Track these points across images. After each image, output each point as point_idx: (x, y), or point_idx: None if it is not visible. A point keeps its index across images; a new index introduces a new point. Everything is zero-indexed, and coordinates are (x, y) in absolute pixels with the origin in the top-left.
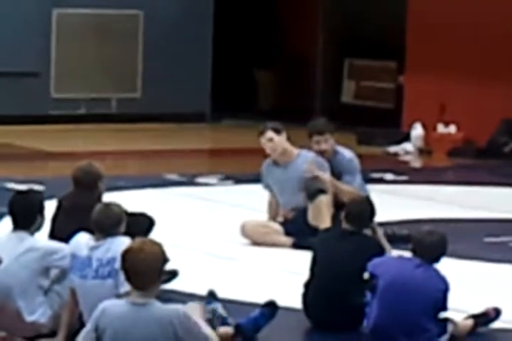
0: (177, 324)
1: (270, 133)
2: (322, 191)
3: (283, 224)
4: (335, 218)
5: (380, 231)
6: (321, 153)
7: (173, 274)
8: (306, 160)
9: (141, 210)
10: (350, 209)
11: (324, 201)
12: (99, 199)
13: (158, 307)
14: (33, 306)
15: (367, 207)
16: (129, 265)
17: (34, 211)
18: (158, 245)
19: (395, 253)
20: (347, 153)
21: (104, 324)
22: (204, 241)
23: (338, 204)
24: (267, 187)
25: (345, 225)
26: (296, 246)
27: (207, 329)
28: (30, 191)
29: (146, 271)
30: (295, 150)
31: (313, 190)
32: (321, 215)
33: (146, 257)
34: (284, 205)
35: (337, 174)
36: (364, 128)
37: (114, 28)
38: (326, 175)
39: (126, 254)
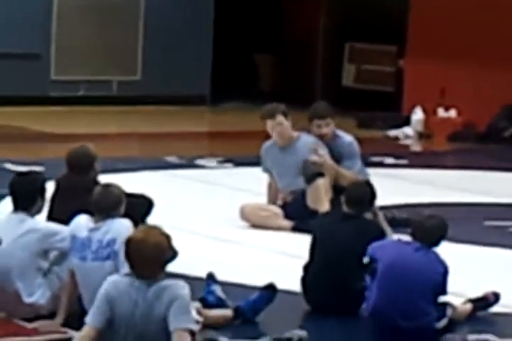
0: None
1: (280, 118)
2: (320, 174)
3: (282, 207)
4: (334, 202)
5: (380, 215)
6: (321, 137)
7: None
8: (305, 144)
9: (141, 192)
10: (351, 193)
11: (322, 184)
12: (95, 179)
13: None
14: (31, 288)
15: (367, 191)
16: (132, 253)
17: (35, 192)
18: (166, 236)
19: (396, 236)
20: (347, 138)
21: (114, 295)
22: (203, 224)
23: (337, 189)
24: (267, 170)
25: (345, 209)
26: (295, 229)
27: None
28: (31, 172)
29: (150, 261)
30: (295, 134)
31: (310, 173)
32: (319, 198)
33: (150, 247)
34: (284, 188)
35: (336, 158)
36: (364, 111)
37: (114, 10)
38: (327, 158)
39: (130, 242)
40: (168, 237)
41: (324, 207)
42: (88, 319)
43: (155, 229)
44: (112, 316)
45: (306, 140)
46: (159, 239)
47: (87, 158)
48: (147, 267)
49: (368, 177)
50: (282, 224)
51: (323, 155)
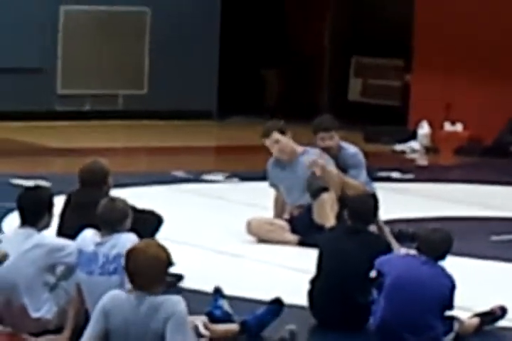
0: (172, 316)
1: (276, 135)
2: (324, 189)
3: (289, 221)
4: (341, 215)
5: (386, 229)
6: (327, 149)
7: (178, 278)
8: (313, 154)
9: (147, 207)
10: (353, 207)
11: (327, 199)
12: (107, 194)
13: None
14: (38, 302)
15: (369, 204)
16: (131, 265)
17: (42, 207)
18: (164, 248)
19: (403, 250)
20: (351, 149)
21: (110, 308)
22: (210, 238)
23: (345, 199)
24: (273, 185)
25: (349, 223)
26: (302, 243)
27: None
28: (39, 187)
29: (147, 272)
30: (299, 148)
31: (315, 188)
32: (325, 213)
33: (149, 259)
34: (292, 203)
35: (342, 169)
36: (371, 126)
37: (120, 25)
38: (332, 168)
39: (129, 254)
40: (166, 251)
41: (330, 221)
42: (86, 331)
43: (154, 242)
44: (107, 328)
45: (311, 154)
46: (158, 251)
47: (100, 172)
48: (145, 279)
49: (373, 189)
50: (289, 238)
51: (323, 163)
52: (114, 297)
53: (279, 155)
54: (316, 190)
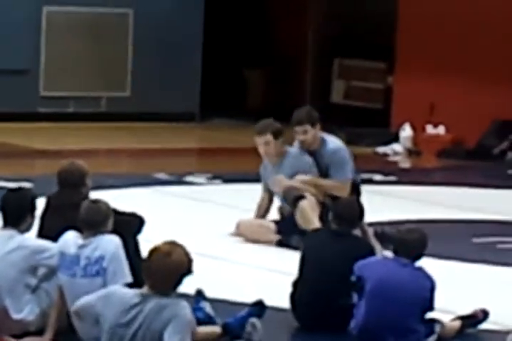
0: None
1: (269, 137)
2: (301, 197)
3: (277, 222)
4: (322, 218)
5: (369, 231)
6: (302, 144)
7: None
8: (293, 160)
9: (130, 209)
10: (337, 211)
11: (305, 205)
12: (86, 196)
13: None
14: (20, 304)
15: (354, 208)
16: (152, 264)
17: (25, 209)
18: (188, 256)
19: (385, 253)
20: (331, 145)
21: (105, 307)
22: (192, 241)
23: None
24: (266, 190)
25: (333, 226)
26: (280, 243)
27: None
28: (22, 189)
29: (164, 275)
30: (286, 149)
31: (291, 198)
32: (308, 219)
33: (170, 263)
34: (282, 204)
35: (324, 165)
36: (353, 128)
37: (103, 27)
38: (300, 177)
39: (152, 253)
40: (189, 259)
41: (315, 225)
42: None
43: (180, 247)
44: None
45: (292, 153)
46: (182, 258)
47: (77, 174)
48: (160, 280)
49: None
50: (269, 238)
51: (282, 180)
52: (118, 292)
53: (264, 156)
54: (293, 199)
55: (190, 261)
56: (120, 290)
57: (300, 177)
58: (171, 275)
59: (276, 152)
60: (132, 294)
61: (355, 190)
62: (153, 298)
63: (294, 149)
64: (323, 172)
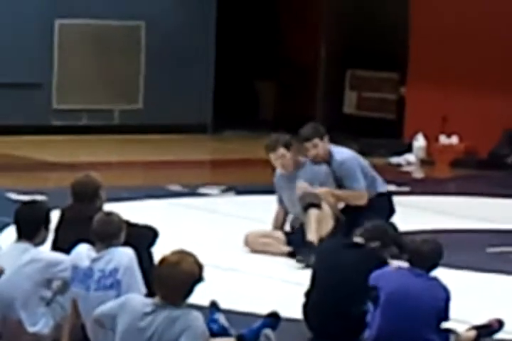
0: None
1: (282, 151)
2: (313, 205)
3: (288, 233)
4: (336, 230)
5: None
6: (314, 159)
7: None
8: (309, 172)
9: (143, 221)
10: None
11: (313, 214)
12: (100, 208)
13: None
14: (34, 317)
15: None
16: (161, 274)
17: (39, 222)
18: (198, 263)
19: (394, 264)
20: (339, 156)
21: (123, 311)
22: (206, 252)
23: (351, 209)
24: (280, 201)
25: (357, 239)
26: (291, 254)
27: None
28: (36, 202)
29: (175, 285)
30: (302, 160)
31: (304, 203)
32: (309, 228)
33: (180, 272)
34: (294, 215)
35: (338, 177)
36: (366, 139)
37: (116, 39)
38: (319, 189)
39: (161, 264)
40: (200, 266)
41: (311, 236)
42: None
43: (190, 256)
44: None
45: (310, 167)
46: (192, 266)
47: (91, 186)
48: (171, 290)
49: (383, 189)
50: (280, 249)
51: (304, 186)
52: (135, 300)
53: (282, 170)
54: (305, 205)
55: (200, 268)
56: (137, 298)
57: (318, 188)
58: (181, 284)
59: (293, 162)
60: (146, 303)
61: (389, 202)
62: (166, 308)
63: (310, 163)
64: (338, 184)
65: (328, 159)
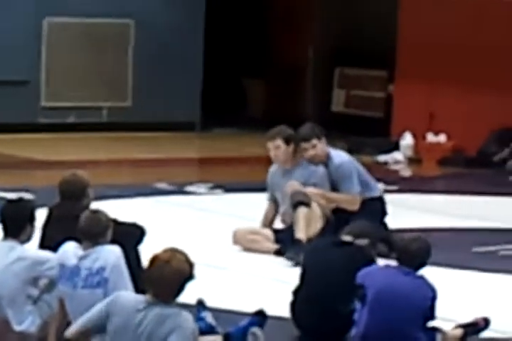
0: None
1: (279, 142)
2: (302, 203)
3: (277, 231)
4: (326, 229)
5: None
6: (312, 159)
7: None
8: (305, 171)
9: (131, 219)
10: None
11: (301, 213)
12: (87, 207)
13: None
14: (21, 316)
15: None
16: (152, 273)
17: (25, 219)
18: (188, 261)
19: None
20: (337, 159)
21: (114, 309)
22: (192, 250)
23: (342, 211)
24: (271, 199)
25: (345, 237)
26: (278, 252)
27: None
28: (21, 200)
29: (166, 283)
30: (299, 158)
31: (294, 201)
32: (297, 226)
33: (171, 271)
34: (285, 212)
35: (332, 180)
36: (354, 137)
37: (104, 37)
38: (311, 189)
39: (152, 262)
40: (190, 264)
41: (299, 234)
42: (83, 317)
43: (181, 254)
44: (107, 327)
45: (306, 166)
46: (182, 264)
47: (79, 185)
48: (162, 289)
49: (375, 194)
50: (268, 247)
51: (295, 184)
52: (125, 297)
53: (274, 160)
54: (295, 203)
55: (191, 266)
56: (129, 295)
57: (310, 189)
58: (172, 282)
59: (286, 158)
60: (137, 299)
61: (381, 205)
62: (157, 305)
63: (307, 163)
64: (332, 187)
65: (325, 161)
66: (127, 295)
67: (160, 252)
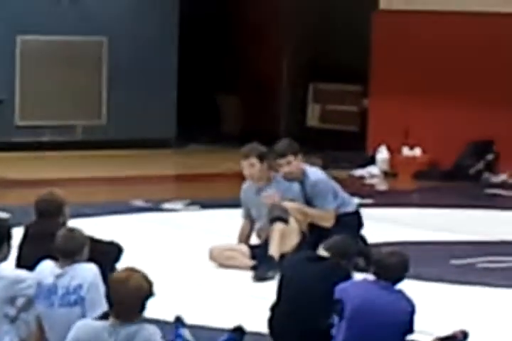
0: None
1: (253, 160)
2: (280, 219)
3: (255, 247)
4: (302, 245)
5: None
6: (287, 175)
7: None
8: (280, 186)
9: (108, 237)
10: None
11: (278, 229)
12: (64, 225)
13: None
14: None
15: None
16: (112, 294)
17: (1, 238)
18: (146, 278)
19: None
20: (312, 176)
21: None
22: (171, 267)
23: (318, 228)
24: (246, 215)
25: (322, 252)
26: (255, 268)
27: None
28: None
29: (127, 302)
30: (272, 174)
31: (273, 216)
32: (271, 242)
33: (130, 290)
34: (261, 228)
35: (307, 197)
36: (330, 151)
37: (78, 55)
38: (289, 204)
39: (111, 283)
40: (148, 282)
41: (272, 250)
42: None
43: (138, 272)
44: None
45: (280, 182)
46: (140, 282)
47: (55, 203)
48: (124, 308)
49: (351, 209)
50: (244, 263)
51: (275, 196)
52: (87, 326)
53: (248, 178)
54: (272, 219)
55: (149, 283)
56: (92, 324)
57: (288, 203)
58: (132, 302)
59: (261, 175)
60: (102, 327)
61: (357, 219)
62: (122, 327)
63: (281, 178)
64: (307, 203)
65: (301, 177)
66: (91, 323)
67: (116, 273)
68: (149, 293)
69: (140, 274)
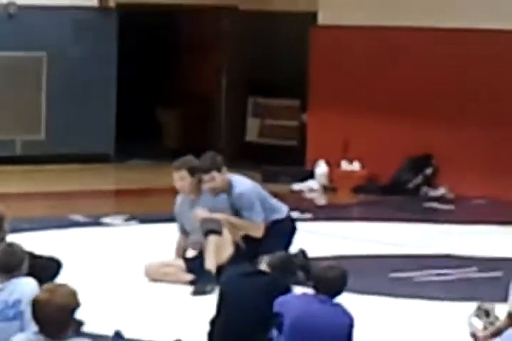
0: None
1: (184, 173)
2: (213, 231)
3: (189, 260)
4: (236, 255)
5: None
6: (212, 191)
7: (78, 324)
8: (209, 199)
9: (47, 252)
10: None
11: (212, 242)
12: (2, 240)
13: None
14: None
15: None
16: (38, 314)
17: None
18: (69, 292)
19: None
20: (238, 188)
21: None
22: (110, 282)
23: (251, 238)
24: (182, 230)
25: (262, 266)
26: (192, 283)
27: None
28: None
29: (54, 321)
30: (203, 187)
31: (205, 230)
32: (207, 256)
33: (54, 308)
34: (194, 241)
35: (235, 208)
36: (269, 166)
37: (17, 70)
38: (217, 215)
39: (35, 303)
40: (72, 294)
41: (208, 264)
42: None
43: (60, 287)
44: None
45: (208, 195)
46: (63, 298)
47: None
48: (53, 327)
49: (280, 216)
50: (182, 277)
51: (202, 213)
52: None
53: (179, 191)
54: (205, 231)
55: (74, 296)
56: (26, 339)
57: (217, 215)
58: (60, 320)
59: (191, 188)
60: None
61: (290, 224)
62: None
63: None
64: (236, 214)
65: (227, 189)
66: (27, 337)
67: (38, 294)
68: (75, 306)
69: (63, 289)
